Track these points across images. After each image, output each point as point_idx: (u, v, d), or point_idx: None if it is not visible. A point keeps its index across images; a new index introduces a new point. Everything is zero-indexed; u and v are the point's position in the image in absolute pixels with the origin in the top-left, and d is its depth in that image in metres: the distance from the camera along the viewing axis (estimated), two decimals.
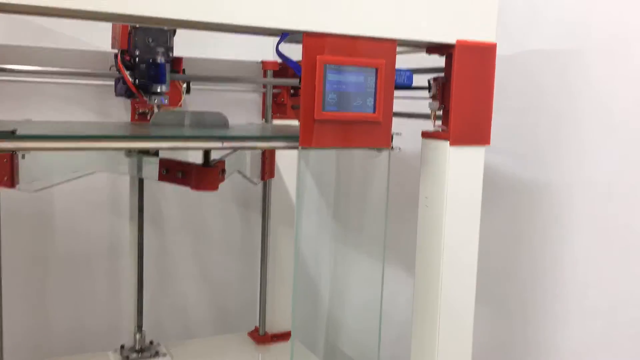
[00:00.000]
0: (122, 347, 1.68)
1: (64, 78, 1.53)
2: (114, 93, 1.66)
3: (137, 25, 1.10)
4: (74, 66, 1.45)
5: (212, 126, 1.22)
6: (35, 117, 1.58)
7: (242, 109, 1.82)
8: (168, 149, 1.13)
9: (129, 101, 1.63)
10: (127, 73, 1.15)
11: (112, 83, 1.61)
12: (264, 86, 1.77)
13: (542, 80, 1.29)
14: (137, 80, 1.16)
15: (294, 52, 1.00)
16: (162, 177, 1.29)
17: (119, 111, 1.68)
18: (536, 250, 1.31)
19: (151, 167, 1.39)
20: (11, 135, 0.87)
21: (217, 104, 1.70)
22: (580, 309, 1.23)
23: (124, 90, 1.20)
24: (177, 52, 1.47)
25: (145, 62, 1.15)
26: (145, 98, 1.18)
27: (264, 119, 1.78)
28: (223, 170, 1.27)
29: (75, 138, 0.93)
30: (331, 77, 0.96)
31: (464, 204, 1.09)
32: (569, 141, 1.24)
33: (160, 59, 1.16)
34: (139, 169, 1.47)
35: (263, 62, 1.73)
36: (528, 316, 1.33)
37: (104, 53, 1.55)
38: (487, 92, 1.08)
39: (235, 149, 1.10)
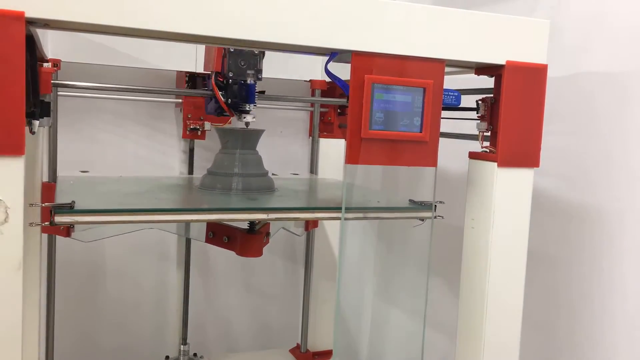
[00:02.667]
0: (167, 357, 1.71)
1: (120, 94, 1.59)
2: (167, 110, 1.73)
3: (232, 49, 1.19)
4: (130, 83, 1.51)
5: (258, 189, 1.27)
6: (92, 132, 1.65)
7: (290, 127, 1.85)
8: (216, 220, 1.19)
9: (180, 117, 1.68)
10: (219, 93, 1.23)
11: (166, 100, 1.67)
12: (312, 105, 1.79)
13: (595, 103, 1.26)
14: (229, 99, 1.24)
15: (342, 71, 1.01)
16: (208, 240, 1.33)
17: (171, 127, 1.73)
18: (585, 278, 1.27)
19: (199, 229, 1.44)
20: (69, 209, 0.93)
21: (266, 122, 1.73)
22: (630, 340, 1.18)
23: (214, 108, 1.27)
24: None
25: (237, 83, 1.23)
26: (235, 116, 1.27)
27: (311, 137, 1.80)
28: (268, 233, 1.30)
29: (128, 211, 0.99)
30: (379, 96, 0.97)
31: (511, 227, 1.08)
32: (620, 166, 1.20)
33: (250, 80, 1.24)
34: (187, 229, 1.53)
35: (311, 81, 1.75)
36: (575, 345, 1.29)
37: (158, 71, 1.61)
38: (537, 113, 1.07)
39: (279, 220, 1.14)
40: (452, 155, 1.22)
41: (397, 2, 0.97)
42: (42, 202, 1.17)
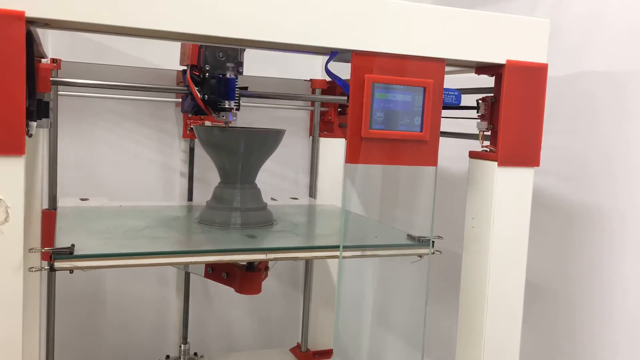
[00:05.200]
0: (168, 357, 1.71)
1: (121, 94, 1.59)
2: (168, 109, 1.72)
3: None
4: (131, 82, 1.50)
5: (257, 224, 1.27)
6: (92, 131, 1.65)
7: (291, 127, 1.85)
8: (214, 262, 1.18)
9: (180, 117, 1.68)
10: (196, 89, 1.14)
11: (166, 99, 1.67)
12: (312, 104, 1.79)
13: (595, 102, 1.26)
14: (206, 96, 1.15)
15: (343, 70, 1.01)
16: (207, 275, 1.31)
17: (172, 127, 1.73)
18: (585, 277, 1.27)
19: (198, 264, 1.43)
20: (69, 255, 0.93)
21: (266, 121, 1.73)
22: (630, 339, 1.18)
23: (191, 106, 1.18)
24: None
25: (215, 77, 1.14)
26: (213, 115, 1.18)
27: (311, 137, 1.80)
28: (267, 267, 1.29)
29: (127, 255, 1.00)
30: (379, 95, 0.97)
31: (511, 226, 1.08)
32: (621, 165, 1.20)
33: (230, 74, 1.15)
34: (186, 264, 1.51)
35: (312, 81, 1.75)
36: (576, 344, 1.29)
37: (159, 70, 1.61)
38: (537, 113, 1.07)
39: (278, 260, 1.14)
40: (452, 154, 1.22)
41: (397, 1, 0.97)
42: (42, 232, 1.21)
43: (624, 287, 1.20)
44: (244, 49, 1.17)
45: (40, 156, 1.35)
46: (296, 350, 1.83)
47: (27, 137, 0.80)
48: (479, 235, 1.08)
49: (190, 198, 1.71)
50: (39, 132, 1.30)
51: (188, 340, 1.74)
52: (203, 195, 1.69)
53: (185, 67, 1.19)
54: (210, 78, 1.14)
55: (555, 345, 1.33)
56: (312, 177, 1.81)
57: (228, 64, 1.14)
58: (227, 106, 1.16)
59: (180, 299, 1.75)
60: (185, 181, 1.72)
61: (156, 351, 1.76)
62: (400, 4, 0.97)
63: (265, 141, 1.30)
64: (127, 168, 1.70)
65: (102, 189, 1.66)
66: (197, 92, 1.14)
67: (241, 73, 1.16)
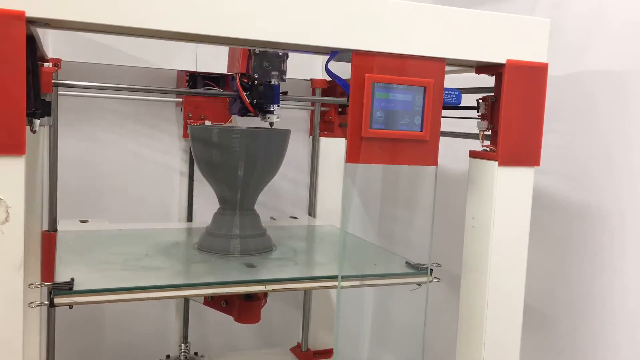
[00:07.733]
0: (168, 357, 1.71)
1: (121, 94, 1.59)
2: (168, 109, 1.73)
3: (257, 51, 1.24)
4: (131, 82, 1.51)
5: (256, 251, 1.27)
6: (93, 131, 1.65)
7: (291, 126, 1.84)
8: (213, 294, 1.17)
9: (181, 117, 1.68)
10: (244, 94, 1.28)
11: (167, 99, 1.68)
12: (313, 104, 1.79)
13: (595, 101, 1.26)
14: (254, 100, 1.28)
15: (343, 70, 1.01)
16: (206, 303, 1.31)
17: (171, 127, 1.73)
18: (585, 277, 1.27)
19: None
20: (69, 290, 0.94)
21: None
22: (632, 339, 1.18)
23: (238, 108, 1.32)
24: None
25: (262, 84, 1.27)
26: (260, 116, 1.31)
27: (311, 136, 1.80)
28: (266, 294, 1.28)
29: (127, 290, 1.00)
30: (379, 95, 0.97)
31: (512, 226, 1.08)
32: (621, 164, 1.20)
33: (275, 81, 1.28)
34: None
35: (312, 80, 1.75)
36: (576, 343, 1.29)
37: (159, 70, 1.61)
38: (537, 112, 1.07)
39: (277, 291, 1.15)
40: (452, 154, 1.22)
41: (397, 1, 0.97)
42: (42, 257, 1.23)
43: (624, 286, 1.20)
44: (287, 58, 1.28)
45: (41, 156, 1.35)
46: (296, 349, 1.83)
47: (28, 136, 0.81)
48: (479, 235, 1.08)
49: (190, 199, 1.71)
50: (40, 131, 1.30)
51: (188, 340, 1.74)
52: (203, 196, 1.69)
53: (233, 73, 1.32)
54: (258, 85, 1.27)
55: (555, 345, 1.33)
56: (313, 177, 1.81)
57: (273, 72, 1.27)
58: (271, 109, 1.29)
59: (180, 299, 1.75)
60: (186, 180, 1.72)
61: (156, 351, 1.76)
62: (400, 4, 0.97)
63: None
64: (127, 168, 1.70)
65: (102, 189, 1.66)
66: (246, 97, 1.28)
67: (284, 80, 1.29)
